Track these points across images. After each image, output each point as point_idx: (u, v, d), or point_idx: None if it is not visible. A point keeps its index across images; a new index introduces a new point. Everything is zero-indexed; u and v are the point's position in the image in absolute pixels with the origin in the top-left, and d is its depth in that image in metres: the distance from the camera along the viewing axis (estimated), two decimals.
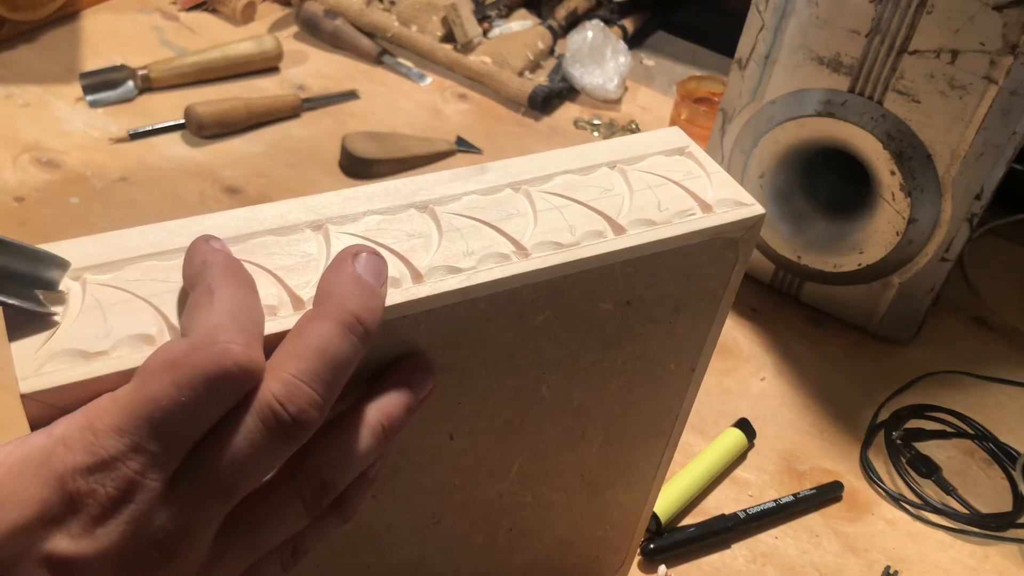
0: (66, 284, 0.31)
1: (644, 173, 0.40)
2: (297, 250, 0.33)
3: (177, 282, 0.31)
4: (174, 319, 0.30)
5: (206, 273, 0.29)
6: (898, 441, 0.71)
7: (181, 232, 0.33)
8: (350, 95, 1.01)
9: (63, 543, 0.26)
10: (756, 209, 0.39)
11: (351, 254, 0.31)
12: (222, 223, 0.33)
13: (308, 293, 0.32)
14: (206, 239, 0.31)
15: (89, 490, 0.26)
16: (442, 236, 0.35)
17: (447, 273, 0.34)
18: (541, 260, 0.35)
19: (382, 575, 0.44)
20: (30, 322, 0.29)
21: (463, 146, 0.96)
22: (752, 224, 0.40)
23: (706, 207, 0.39)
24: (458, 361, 0.36)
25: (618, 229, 0.37)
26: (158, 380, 0.27)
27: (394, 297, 0.32)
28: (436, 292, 0.33)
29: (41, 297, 0.29)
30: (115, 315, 0.30)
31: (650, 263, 0.38)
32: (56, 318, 0.29)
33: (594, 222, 0.37)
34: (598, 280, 0.37)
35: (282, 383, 0.28)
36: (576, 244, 0.36)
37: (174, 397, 0.27)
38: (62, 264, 0.31)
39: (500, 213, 0.37)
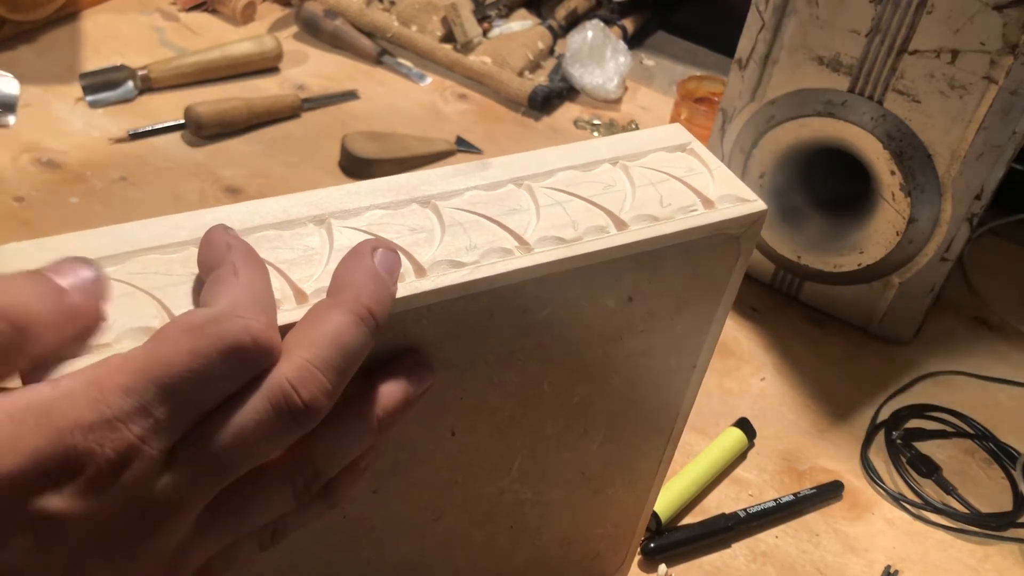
0: None
1: (646, 169, 0.40)
2: (300, 244, 0.33)
3: (179, 275, 0.31)
4: (176, 312, 0.30)
5: (231, 255, 0.30)
6: (898, 441, 0.71)
7: (184, 226, 0.33)
8: (350, 95, 1.01)
9: (53, 500, 0.25)
10: (758, 205, 0.40)
11: (371, 248, 0.31)
12: (224, 217, 0.33)
13: (311, 287, 0.31)
14: (225, 227, 0.31)
15: (87, 449, 0.25)
16: (444, 231, 0.35)
17: (450, 267, 0.34)
18: (544, 255, 0.35)
19: (382, 571, 0.44)
20: None
21: (463, 146, 0.96)
22: (754, 220, 0.40)
23: (708, 203, 0.39)
24: (460, 356, 0.36)
25: (620, 224, 0.37)
26: (174, 344, 0.26)
27: (397, 291, 0.32)
28: (438, 286, 0.33)
29: None
30: (118, 308, 0.30)
31: (652, 259, 0.38)
32: None
33: (596, 217, 0.37)
34: (600, 276, 0.37)
35: (296, 367, 0.28)
36: (579, 239, 0.36)
37: (188, 364, 0.26)
38: None
39: (502, 208, 0.37)
